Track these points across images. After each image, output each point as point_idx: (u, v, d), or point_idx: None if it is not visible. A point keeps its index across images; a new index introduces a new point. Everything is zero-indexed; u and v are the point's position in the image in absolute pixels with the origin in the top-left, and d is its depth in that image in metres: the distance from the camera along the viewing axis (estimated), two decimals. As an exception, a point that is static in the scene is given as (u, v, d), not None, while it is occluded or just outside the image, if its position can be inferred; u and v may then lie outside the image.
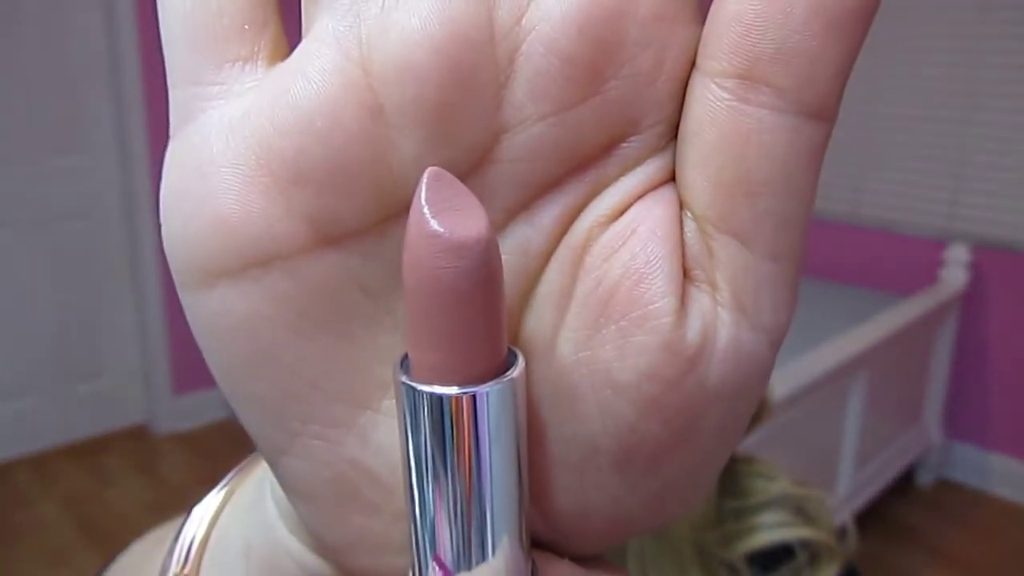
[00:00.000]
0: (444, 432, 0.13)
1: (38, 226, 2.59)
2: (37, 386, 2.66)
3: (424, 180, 0.12)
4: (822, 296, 2.58)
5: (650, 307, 0.13)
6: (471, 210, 0.12)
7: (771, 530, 0.55)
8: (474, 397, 0.13)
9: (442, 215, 0.12)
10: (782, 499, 0.57)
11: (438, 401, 0.13)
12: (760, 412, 0.57)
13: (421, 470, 0.14)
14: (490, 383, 0.13)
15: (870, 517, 2.32)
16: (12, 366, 2.61)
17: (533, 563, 0.15)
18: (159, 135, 2.73)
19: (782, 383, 1.74)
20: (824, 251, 2.89)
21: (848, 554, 0.58)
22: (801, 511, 0.57)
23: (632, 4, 0.13)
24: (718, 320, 0.14)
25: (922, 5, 2.58)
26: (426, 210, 0.12)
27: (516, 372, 0.13)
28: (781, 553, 0.55)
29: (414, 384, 0.13)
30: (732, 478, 0.57)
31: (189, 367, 2.79)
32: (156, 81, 2.69)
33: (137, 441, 2.77)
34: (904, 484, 2.55)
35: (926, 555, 2.28)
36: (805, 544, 0.55)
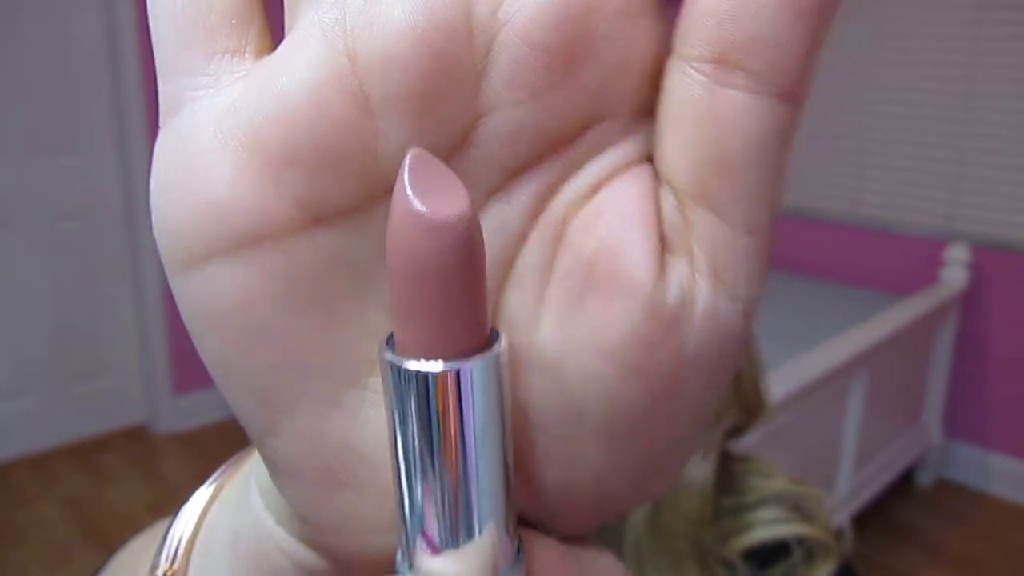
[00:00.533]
0: (429, 408, 0.13)
1: (38, 226, 2.60)
2: (37, 386, 2.67)
3: (407, 162, 0.13)
4: (822, 296, 2.58)
5: (629, 274, 0.14)
6: (453, 190, 0.13)
7: (767, 527, 0.55)
8: (458, 372, 0.13)
9: (424, 195, 0.12)
10: (779, 496, 0.57)
11: (423, 378, 0.13)
12: (758, 412, 0.57)
13: (407, 447, 0.14)
14: (474, 358, 0.13)
15: (870, 517, 2.32)
16: (12, 366, 2.61)
17: (520, 540, 0.15)
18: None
19: (782, 383, 1.74)
20: (824, 251, 2.89)
21: (844, 552, 0.58)
22: (798, 509, 0.57)
23: (600, 0, 0.14)
24: (696, 287, 0.14)
25: (921, 5, 2.58)
26: (409, 191, 0.12)
27: (499, 347, 0.14)
28: (778, 550, 0.55)
29: (399, 361, 0.13)
30: (729, 476, 0.57)
31: (189, 367, 2.79)
32: (156, 81, 2.68)
33: (137, 441, 2.77)
34: (904, 484, 2.55)
35: (926, 555, 2.28)
36: (801, 541, 0.55)
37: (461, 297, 0.13)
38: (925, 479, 2.62)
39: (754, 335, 0.56)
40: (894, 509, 2.46)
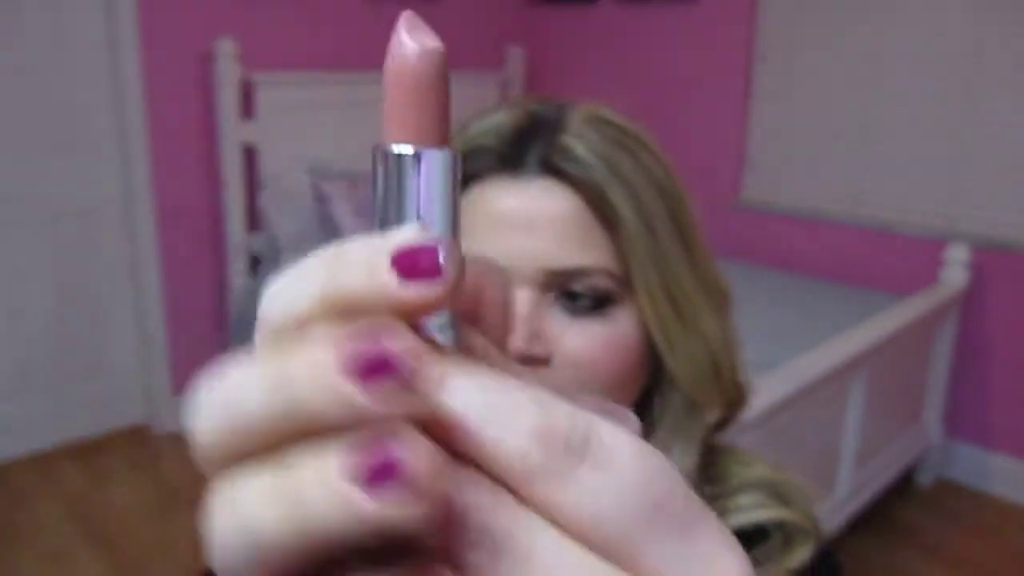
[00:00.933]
0: (402, 177, 0.18)
1: (38, 226, 2.60)
2: (37, 386, 2.67)
3: (401, 17, 0.19)
4: (822, 296, 2.58)
5: None
6: (431, 35, 0.19)
7: (746, 511, 0.57)
8: (423, 154, 0.18)
9: (412, 35, 0.18)
10: (758, 483, 0.58)
11: (399, 155, 0.18)
12: (739, 405, 0.58)
13: (387, 210, 0.18)
14: (437, 148, 0.19)
15: (870, 517, 2.32)
16: (12, 366, 2.61)
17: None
18: (159, 135, 2.73)
19: (782, 383, 1.74)
20: (824, 251, 2.89)
21: (823, 537, 0.59)
22: (780, 496, 0.58)
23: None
24: None
25: (922, 5, 2.58)
26: (404, 32, 0.18)
27: (454, 149, 0.19)
28: (758, 537, 0.56)
29: (386, 147, 0.18)
30: (712, 466, 0.58)
31: (189, 367, 2.79)
32: (156, 81, 2.69)
33: (137, 441, 2.77)
34: (904, 484, 2.55)
35: (926, 555, 2.28)
36: (780, 526, 0.56)
37: (433, 103, 0.18)
38: (925, 479, 2.62)
39: (733, 330, 0.57)
40: (894, 509, 2.46)
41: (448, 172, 0.18)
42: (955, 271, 2.50)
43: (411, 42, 0.18)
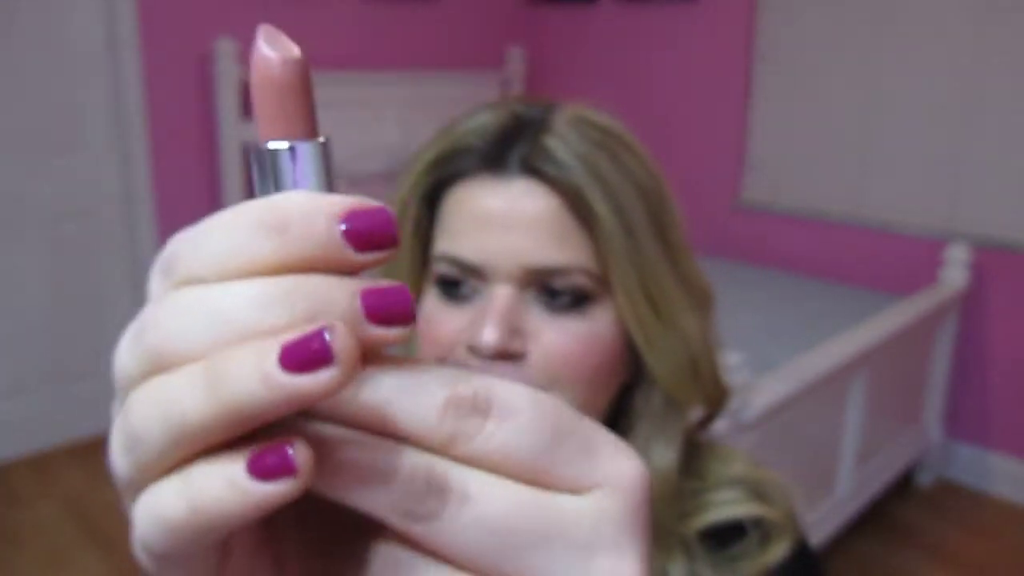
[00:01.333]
0: (279, 170, 0.20)
1: (38, 226, 2.60)
2: (37, 386, 2.66)
3: (260, 31, 0.20)
4: (822, 296, 2.58)
5: None
6: (290, 44, 0.21)
7: (723, 507, 0.58)
8: (296, 146, 0.20)
9: (272, 46, 0.20)
10: (737, 480, 0.59)
11: (276, 151, 0.20)
12: (720, 402, 0.59)
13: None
14: (307, 141, 0.20)
15: (870, 517, 2.32)
16: (12, 366, 2.61)
17: None
18: (159, 135, 2.73)
19: (782, 383, 1.74)
20: (824, 251, 2.89)
21: (801, 535, 0.59)
22: (758, 493, 0.58)
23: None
24: None
25: (923, 5, 2.58)
26: (265, 44, 0.20)
27: (323, 139, 0.20)
28: (736, 533, 0.57)
29: (262, 144, 0.20)
30: (694, 461, 0.59)
31: (189, 367, 2.78)
32: (156, 81, 2.69)
33: (137, 441, 2.77)
34: (904, 484, 2.55)
35: (926, 555, 2.28)
36: (757, 523, 0.57)
37: (300, 103, 0.20)
38: (925, 479, 2.62)
39: (714, 330, 0.58)
40: (894, 509, 2.46)
41: (320, 159, 0.20)
42: (955, 271, 2.50)
43: (273, 53, 0.20)
